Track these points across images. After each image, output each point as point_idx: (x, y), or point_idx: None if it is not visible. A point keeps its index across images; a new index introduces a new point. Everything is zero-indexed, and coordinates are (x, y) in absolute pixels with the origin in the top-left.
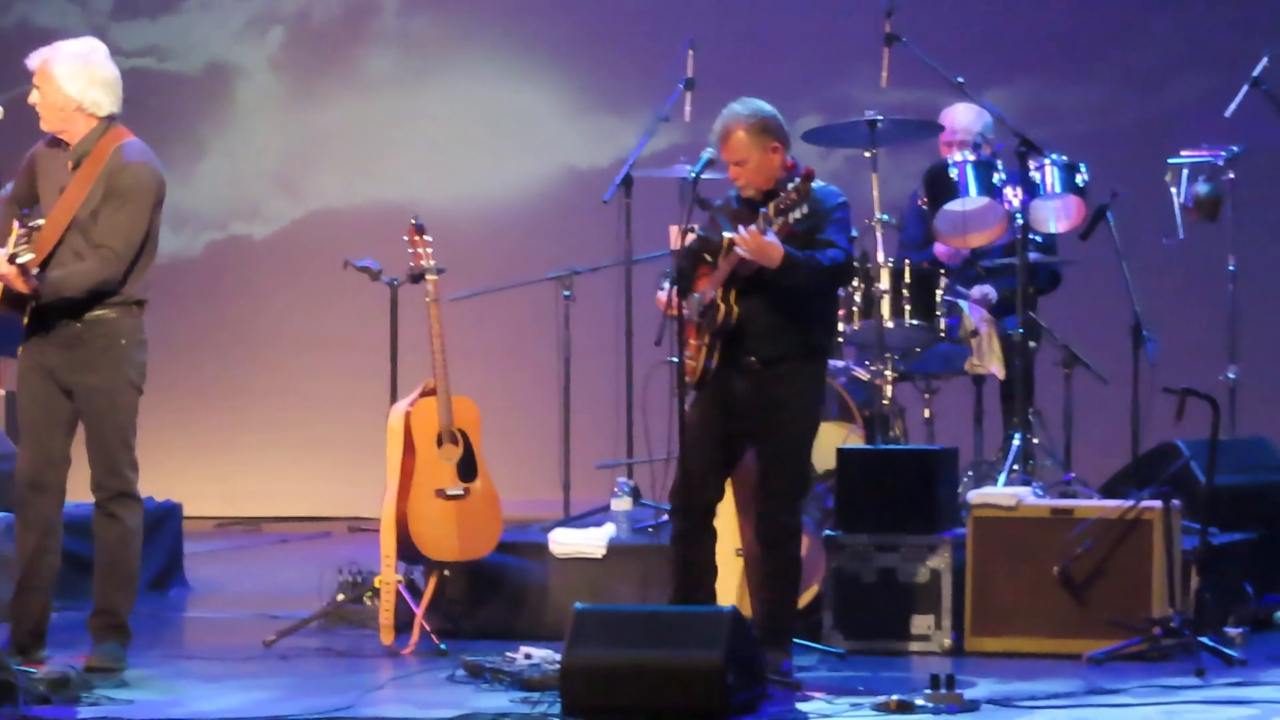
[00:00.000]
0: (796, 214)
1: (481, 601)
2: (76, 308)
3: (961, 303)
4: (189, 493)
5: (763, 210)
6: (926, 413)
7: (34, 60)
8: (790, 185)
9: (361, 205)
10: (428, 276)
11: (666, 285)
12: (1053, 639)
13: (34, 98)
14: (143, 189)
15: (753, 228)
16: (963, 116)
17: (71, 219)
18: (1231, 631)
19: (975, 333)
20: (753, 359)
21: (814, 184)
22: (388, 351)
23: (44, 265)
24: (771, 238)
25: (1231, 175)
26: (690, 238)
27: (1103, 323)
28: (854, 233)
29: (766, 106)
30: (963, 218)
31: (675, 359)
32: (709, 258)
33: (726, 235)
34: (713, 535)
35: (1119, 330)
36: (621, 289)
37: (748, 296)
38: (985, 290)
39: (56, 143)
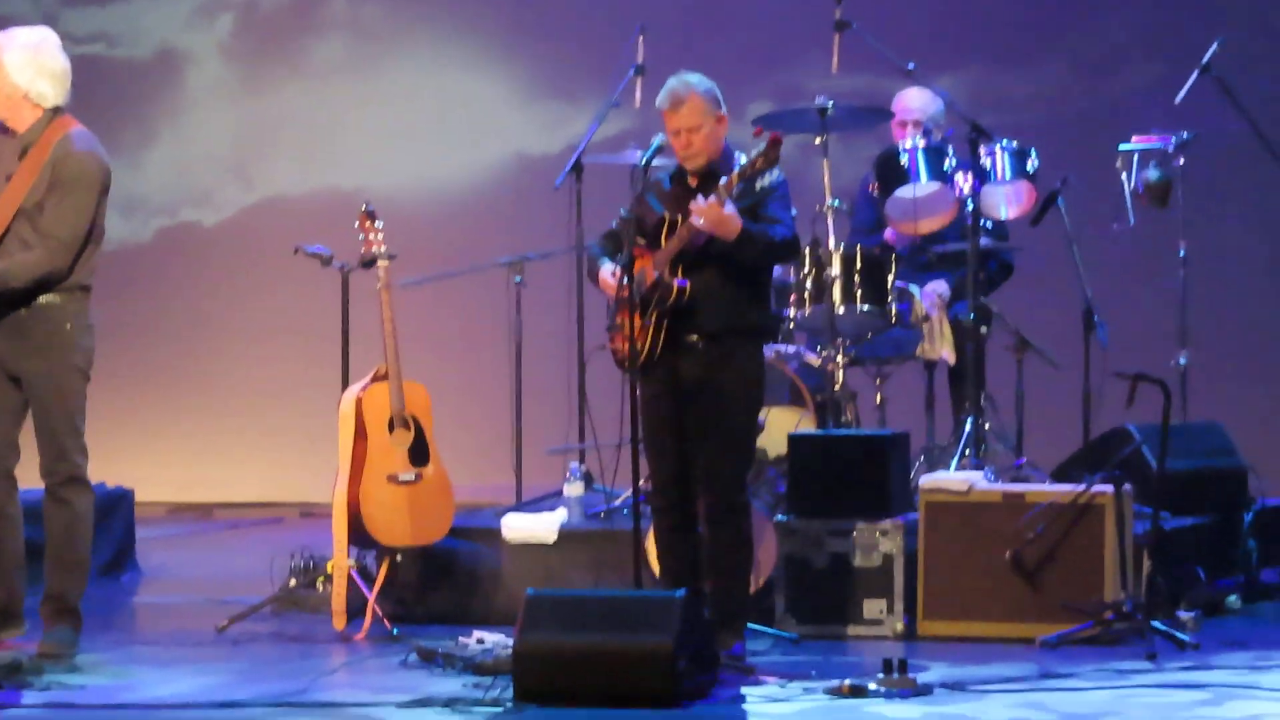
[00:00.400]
0: (765, 180)
1: (434, 586)
2: (22, 295)
3: (913, 287)
4: (141, 478)
5: (722, 180)
6: (878, 398)
7: None
8: (756, 152)
9: (312, 191)
10: (379, 262)
11: (608, 264)
12: (1005, 623)
13: None
14: (88, 178)
15: (712, 199)
16: (915, 99)
17: (18, 208)
18: (1183, 616)
19: (927, 318)
20: (694, 337)
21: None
22: (339, 337)
23: None
24: (731, 209)
25: (1181, 161)
26: (616, 221)
27: (1054, 308)
28: (793, 210)
29: (707, 79)
30: (914, 204)
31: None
32: (642, 240)
33: (688, 208)
34: (696, 528)
35: (1070, 315)
36: (573, 275)
37: (691, 273)
38: (937, 286)
39: (4, 130)
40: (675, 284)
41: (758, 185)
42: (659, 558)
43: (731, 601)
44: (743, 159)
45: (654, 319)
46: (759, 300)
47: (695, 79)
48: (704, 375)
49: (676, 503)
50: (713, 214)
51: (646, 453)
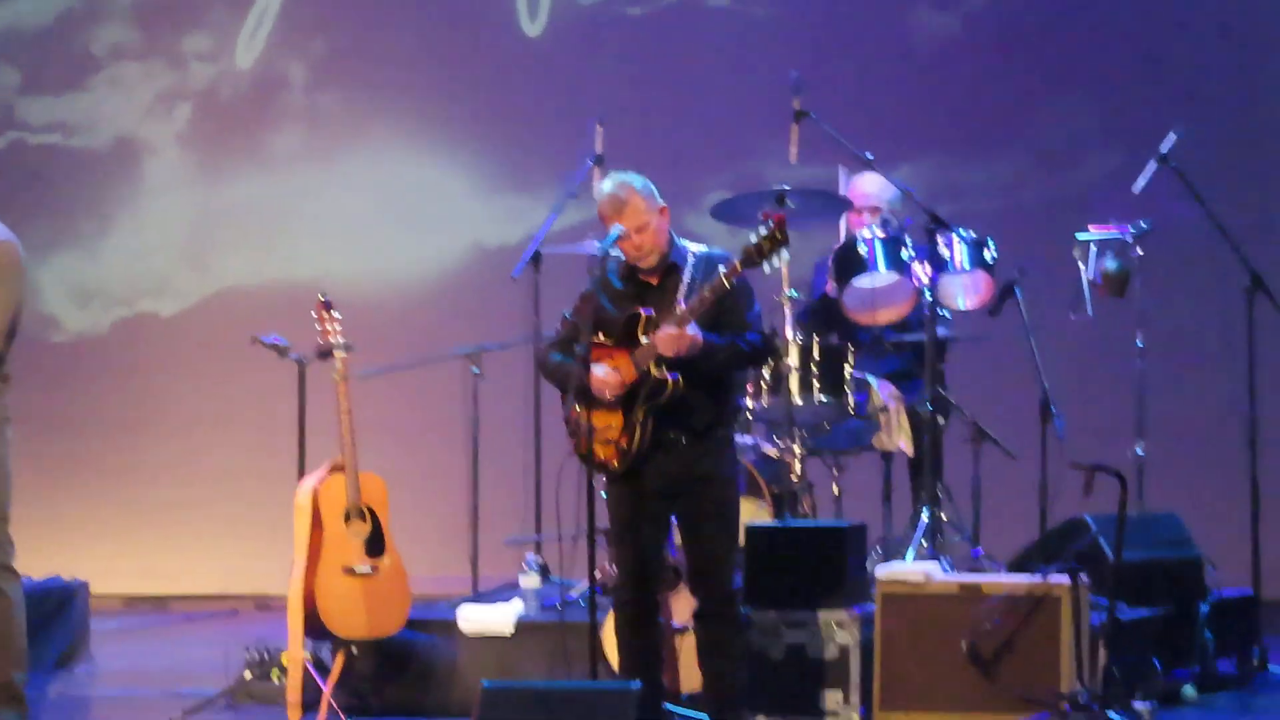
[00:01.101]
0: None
1: (389, 679)
2: None
3: (870, 379)
4: (96, 570)
5: (681, 306)
6: (835, 489)
7: None
8: (761, 237)
9: (269, 282)
10: (335, 353)
11: (597, 366)
12: (961, 714)
13: None
14: (12, 268)
15: (670, 330)
16: (871, 184)
17: None
18: (1139, 707)
19: (884, 409)
20: (675, 434)
21: (714, 251)
22: (296, 428)
23: None
24: (693, 330)
25: (1139, 251)
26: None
27: (1011, 399)
28: (757, 307)
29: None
30: (871, 294)
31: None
32: (603, 337)
33: (659, 305)
34: (655, 624)
35: (1027, 406)
36: (530, 366)
37: (674, 370)
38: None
39: None
40: (669, 378)
41: (766, 269)
42: (620, 650)
43: (730, 691)
44: (691, 246)
45: (640, 416)
46: (735, 392)
47: (629, 178)
48: (688, 470)
49: (640, 596)
50: (674, 341)
51: (612, 547)
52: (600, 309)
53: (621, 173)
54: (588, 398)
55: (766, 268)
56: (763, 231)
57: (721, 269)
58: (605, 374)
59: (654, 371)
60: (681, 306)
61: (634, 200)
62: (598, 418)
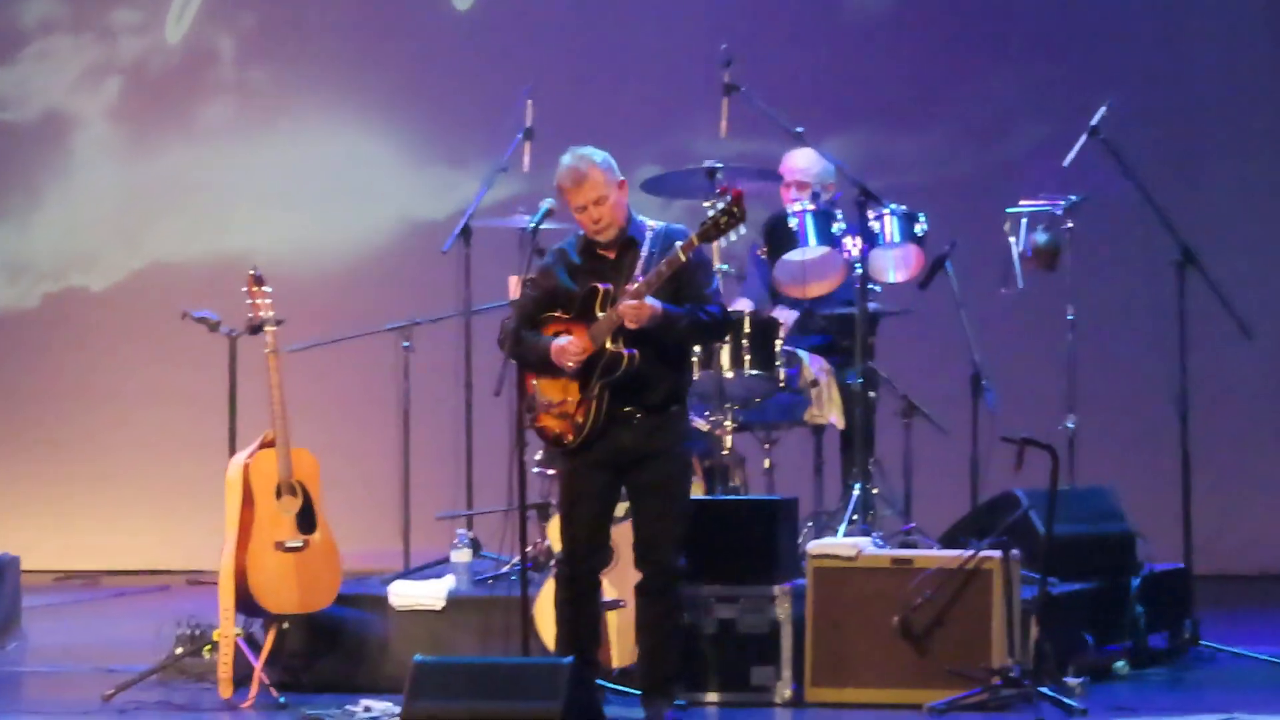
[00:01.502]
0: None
1: (321, 654)
2: None
3: (801, 353)
4: (27, 545)
5: (639, 279)
6: (766, 463)
7: None
8: (718, 211)
9: (200, 256)
10: (266, 328)
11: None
12: (893, 689)
13: None
14: None
15: (632, 302)
16: (802, 159)
17: None
18: (1071, 681)
19: (815, 383)
20: (630, 408)
21: (671, 226)
22: (227, 403)
23: None
24: (652, 302)
25: (1070, 224)
26: (520, 288)
27: (942, 372)
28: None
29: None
30: (802, 267)
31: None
32: (562, 313)
33: (618, 280)
34: (598, 598)
35: (958, 380)
36: (461, 339)
37: (631, 345)
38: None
39: None
40: (625, 353)
41: (722, 243)
42: (559, 624)
43: (666, 667)
44: (649, 222)
45: (596, 391)
46: (688, 367)
47: (589, 151)
48: (644, 445)
49: (585, 573)
50: (634, 312)
51: (560, 522)
52: (558, 283)
53: (580, 147)
54: (547, 371)
55: (723, 242)
56: (720, 206)
57: (678, 244)
58: (566, 342)
59: (610, 346)
60: (639, 281)
61: (593, 173)
62: (554, 391)
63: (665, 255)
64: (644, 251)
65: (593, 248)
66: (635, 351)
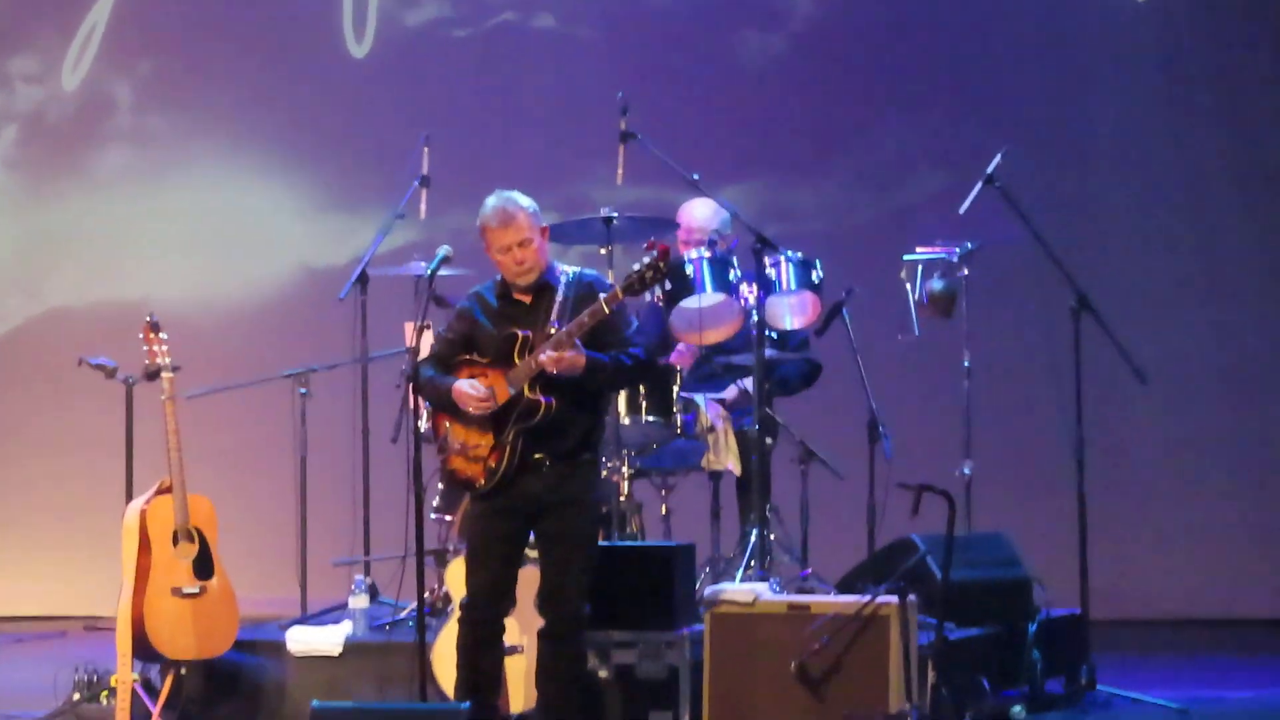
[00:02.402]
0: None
1: (218, 700)
2: None
3: (698, 398)
4: None
5: (555, 327)
6: (664, 509)
7: None
8: (644, 265)
9: (97, 303)
10: (163, 374)
11: (463, 381)
12: None
13: None
14: None
15: (552, 353)
16: (700, 212)
17: None
18: None
19: (711, 429)
20: (540, 455)
21: (585, 272)
22: (124, 449)
23: None
24: (577, 350)
25: (966, 272)
26: (428, 334)
27: (839, 419)
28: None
29: None
30: (699, 314)
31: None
32: (474, 356)
33: (537, 330)
34: (502, 643)
35: (855, 426)
36: (358, 386)
37: (546, 392)
38: (729, 392)
39: None
40: (543, 400)
41: (648, 297)
42: (461, 669)
43: (567, 713)
44: (563, 266)
45: (510, 436)
46: (603, 415)
47: (516, 195)
48: (552, 492)
49: (490, 618)
50: (557, 363)
51: (467, 566)
52: (476, 327)
53: (506, 190)
54: (457, 414)
55: (647, 296)
56: (646, 261)
57: (602, 296)
58: (470, 387)
59: (528, 393)
60: (555, 326)
61: (520, 216)
62: (466, 435)
63: (583, 300)
64: (559, 296)
65: (509, 292)
66: (553, 400)
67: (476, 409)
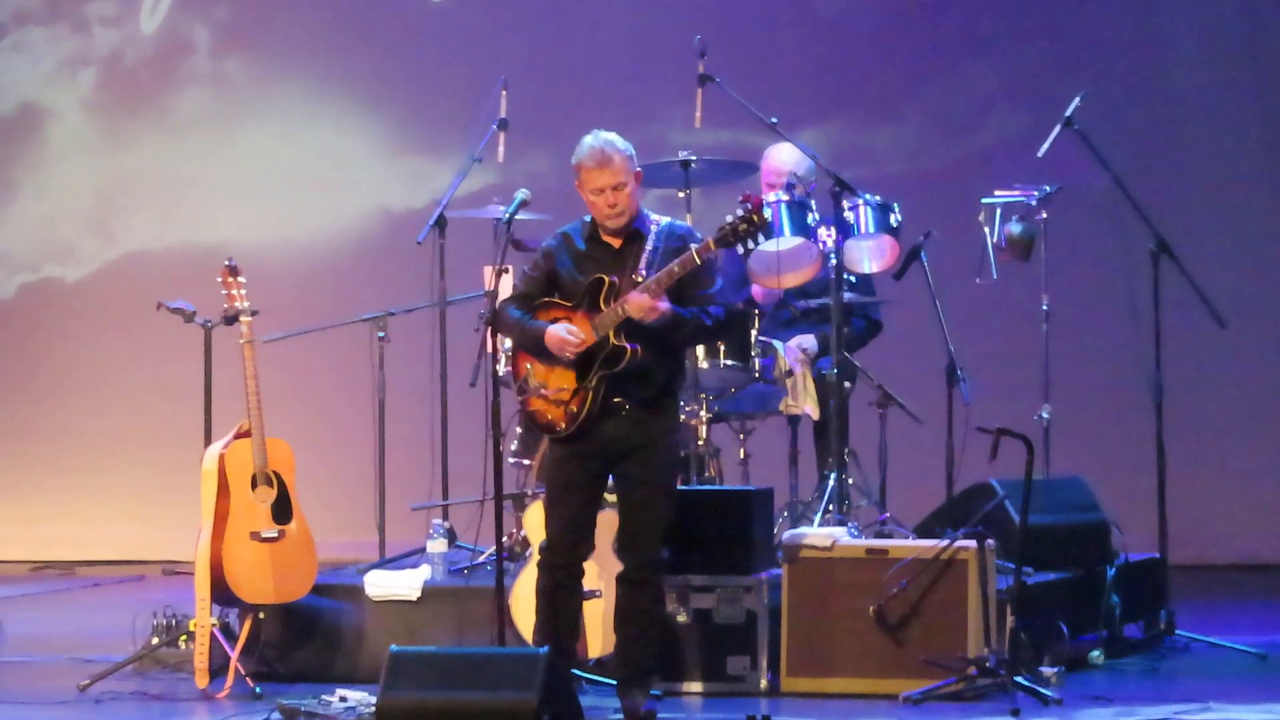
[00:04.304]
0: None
1: (297, 644)
2: None
3: (776, 343)
4: (3, 536)
5: (643, 274)
6: (741, 453)
7: None
8: (737, 218)
9: (175, 247)
10: (242, 318)
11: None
12: (869, 679)
13: None
14: None
15: (643, 298)
16: (786, 156)
17: None
18: (1047, 671)
19: (790, 373)
20: (621, 400)
21: (676, 223)
22: (202, 393)
23: None
24: (664, 305)
25: (1044, 215)
26: (506, 277)
27: (917, 363)
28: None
29: None
30: (777, 258)
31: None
32: (556, 298)
33: (625, 276)
34: (581, 588)
35: (933, 370)
36: (436, 330)
37: (630, 338)
38: (802, 341)
39: None
40: (629, 347)
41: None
42: (540, 614)
43: (644, 658)
44: (658, 219)
45: (594, 382)
46: (682, 363)
47: (615, 137)
48: (632, 437)
49: (569, 561)
50: (645, 310)
51: (546, 510)
52: (560, 269)
53: (603, 131)
54: (539, 354)
55: (740, 249)
56: (740, 213)
57: (693, 246)
58: (566, 333)
59: (614, 339)
60: (643, 274)
61: (617, 158)
62: (548, 378)
63: (673, 252)
64: (649, 245)
65: (598, 235)
66: (639, 346)
67: (572, 354)
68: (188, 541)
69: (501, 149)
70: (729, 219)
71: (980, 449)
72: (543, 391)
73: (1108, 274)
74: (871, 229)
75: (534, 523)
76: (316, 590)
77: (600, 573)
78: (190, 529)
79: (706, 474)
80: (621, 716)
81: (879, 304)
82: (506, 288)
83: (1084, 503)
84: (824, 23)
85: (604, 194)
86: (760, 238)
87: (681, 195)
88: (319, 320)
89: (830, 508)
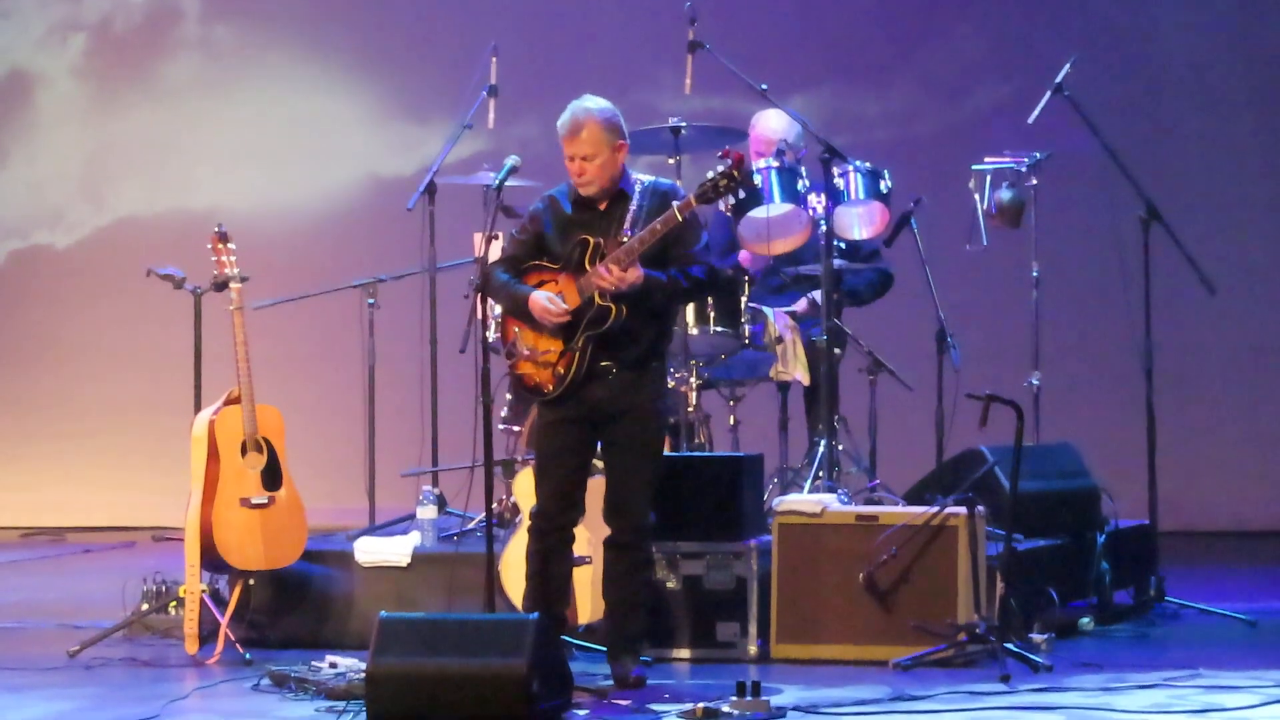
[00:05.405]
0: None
1: (286, 610)
2: None
3: (766, 309)
4: None
5: (627, 235)
6: (731, 420)
7: None
8: (718, 173)
9: (164, 213)
10: (231, 284)
11: (539, 291)
12: (859, 645)
13: None
14: None
15: (612, 268)
16: (775, 122)
17: None
18: (1037, 638)
19: (780, 339)
20: (608, 363)
21: (660, 180)
22: (191, 360)
23: None
24: (636, 273)
25: (1034, 181)
26: (496, 244)
27: (907, 329)
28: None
29: (611, 105)
30: (766, 224)
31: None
32: (544, 261)
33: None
34: (571, 554)
35: (923, 337)
36: (425, 296)
37: (616, 300)
38: (799, 304)
39: None
40: (612, 306)
41: (721, 206)
42: (530, 579)
43: (634, 624)
44: (642, 178)
45: (580, 342)
46: (671, 323)
47: (596, 105)
48: (619, 400)
49: (559, 527)
50: (611, 283)
51: (536, 476)
52: (546, 232)
53: (595, 99)
54: (526, 318)
55: (721, 205)
56: (720, 169)
57: (675, 203)
58: (547, 301)
59: (599, 300)
60: (627, 234)
61: (591, 126)
62: (536, 340)
63: (656, 210)
64: (634, 204)
65: (583, 198)
66: (624, 306)
67: (554, 323)
68: (178, 508)
69: (492, 115)
70: (710, 175)
71: (970, 415)
72: (531, 354)
73: (1097, 240)
74: (862, 195)
75: (524, 489)
76: (306, 556)
77: (590, 539)
78: (180, 495)
79: (696, 440)
80: (611, 682)
81: (873, 269)
82: (496, 255)
83: (1074, 469)
84: None
85: (573, 161)
86: (739, 193)
87: (671, 161)
88: (309, 286)
89: (820, 474)
